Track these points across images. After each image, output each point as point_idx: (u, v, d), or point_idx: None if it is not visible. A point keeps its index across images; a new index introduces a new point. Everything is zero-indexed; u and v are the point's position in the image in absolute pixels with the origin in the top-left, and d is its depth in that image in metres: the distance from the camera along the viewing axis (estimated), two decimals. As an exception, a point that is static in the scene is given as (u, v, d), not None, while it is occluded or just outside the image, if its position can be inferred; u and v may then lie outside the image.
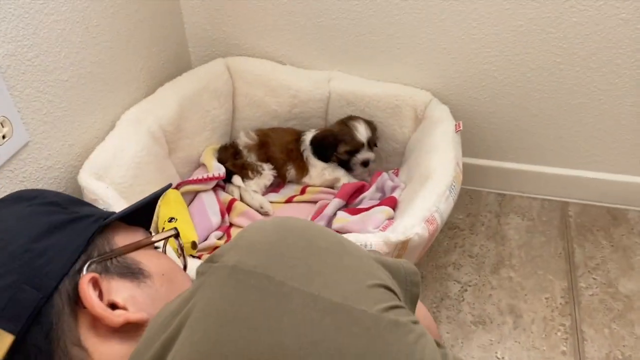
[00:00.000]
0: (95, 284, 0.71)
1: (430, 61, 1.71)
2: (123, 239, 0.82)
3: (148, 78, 1.68)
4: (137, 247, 0.79)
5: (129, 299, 0.70)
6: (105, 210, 0.93)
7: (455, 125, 1.56)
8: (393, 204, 1.48)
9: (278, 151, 1.75)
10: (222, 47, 1.88)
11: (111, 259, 0.74)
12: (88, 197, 1.28)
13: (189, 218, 1.52)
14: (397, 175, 1.68)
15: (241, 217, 1.60)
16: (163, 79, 1.74)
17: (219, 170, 1.66)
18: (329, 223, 1.53)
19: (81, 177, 1.30)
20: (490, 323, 1.46)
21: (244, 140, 1.78)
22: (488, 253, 1.68)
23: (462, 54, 1.67)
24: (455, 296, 1.54)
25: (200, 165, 1.74)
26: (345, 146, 1.67)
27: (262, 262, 0.55)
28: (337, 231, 1.44)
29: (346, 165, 1.71)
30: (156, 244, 0.85)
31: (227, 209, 1.63)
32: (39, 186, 1.31)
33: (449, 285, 1.58)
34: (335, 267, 0.56)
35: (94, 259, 0.72)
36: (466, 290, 1.56)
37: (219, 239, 1.55)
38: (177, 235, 0.91)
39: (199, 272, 0.60)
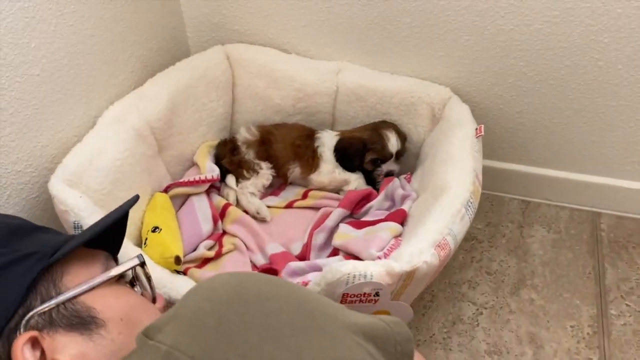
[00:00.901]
0: (35, 343, 0.62)
1: (452, 54, 1.53)
2: (75, 276, 0.70)
3: (139, 68, 1.53)
4: (91, 288, 0.69)
5: (78, 356, 0.62)
6: (63, 235, 0.80)
7: (476, 129, 1.39)
8: (402, 218, 1.32)
9: (282, 149, 1.59)
10: (221, 33, 1.72)
11: (57, 307, 0.65)
12: (58, 208, 1.15)
13: (176, 227, 1.38)
14: (409, 182, 1.52)
15: (236, 224, 1.46)
16: (157, 69, 1.58)
17: (213, 172, 1.51)
18: (330, 236, 1.38)
19: (52, 184, 1.16)
20: (507, 354, 1.31)
21: (244, 135, 1.63)
22: (508, 270, 1.51)
23: (488, 47, 1.48)
24: (469, 320, 1.39)
25: (193, 164, 1.59)
26: (373, 154, 1.53)
27: (204, 349, 0.47)
28: (338, 248, 1.30)
29: (368, 175, 1.57)
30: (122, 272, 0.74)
31: (220, 214, 1.48)
32: (6, 193, 1.18)
33: (463, 307, 1.42)
34: (298, 356, 0.47)
35: (36, 311, 0.63)
36: (482, 313, 1.40)
37: (210, 249, 1.41)
38: (142, 264, 0.79)
39: (137, 343, 0.52)
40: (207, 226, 1.43)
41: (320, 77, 1.61)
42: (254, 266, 1.38)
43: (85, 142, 1.28)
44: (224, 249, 1.40)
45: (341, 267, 1.00)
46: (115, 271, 0.74)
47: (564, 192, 1.69)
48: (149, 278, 0.84)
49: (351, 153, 1.53)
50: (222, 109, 1.67)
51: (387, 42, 1.57)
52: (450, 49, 1.52)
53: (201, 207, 1.47)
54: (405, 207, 1.35)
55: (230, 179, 1.55)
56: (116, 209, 0.83)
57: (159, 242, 1.26)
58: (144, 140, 1.41)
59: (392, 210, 1.39)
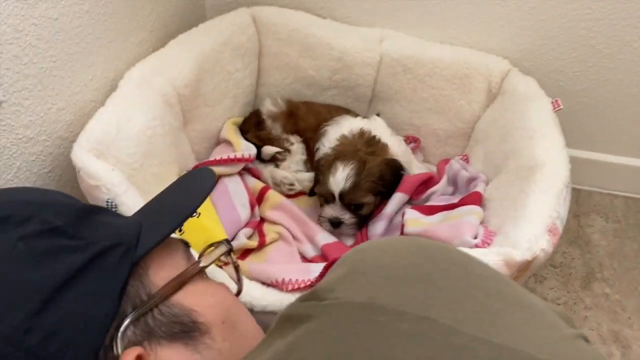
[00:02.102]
0: None
1: (512, 23, 1.38)
2: (160, 269, 0.56)
3: (158, 27, 1.30)
4: (183, 282, 0.56)
5: None
6: (122, 216, 0.61)
7: (553, 102, 1.23)
8: (480, 202, 1.15)
9: (311, 129, 1.40)
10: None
11: (151, 312, 0.52)
12: (86, 184, 0.92)
13: (214, 211, 1.16)
14: (467, 163, 1.35)
15: (277, 210, 1.25)
16: (174, 31, 1.36)
17: (249, 150, 1.30)
18: (390, 224, 1.20)
19: (76, 154, 0.93)
20: (593, 355, 1.16)
21: (269, 108, 1.42)
22: (573, 262, 1.37)
23: (554, 16, 1.34)
24: (543, 317, 1.23)
25: (221, 141, 1.38)
26: (317, 189, 1.26)
27: (412, 296, 0.42)
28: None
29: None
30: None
31: (257, 199, 1.27)
32: (16, 165, 0.94)
33: (534, 303, 1.26)
34: (514, 305, 0.43)
35: (130, 320, 0.50)
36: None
37: (249, 237, 1.20)
38: (230, 251, 0.66)
39: (293, 316, 0.45)
40: (244, 212, 1.22)
41: (362, 45, 1.42)
42: (303, 258, 1.19)
43: (109, 106, 1.05)
44: (268, 238, 1.19)
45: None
46: (208, 260, 0.61)
47: (617, 179, 1.57)
48: (236, 267, 0.69)
49: (315, 176, 1.29)
50: (248, 80, 1.46)
51: (438, 9, 1.40)
52: (512, 17, 1.37)
53: (236, 190, 1.25)
54: (479, 189, 1.18)
55: (268, 148, 1.35)
56: (192, 183, 0.69)
57: (200, 228, 1.05)
58: (171, 108, 1.19)
59: (464, 195, 1.22)
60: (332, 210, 1.20)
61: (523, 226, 0.94)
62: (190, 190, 0.66)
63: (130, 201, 0.92)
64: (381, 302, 0.41)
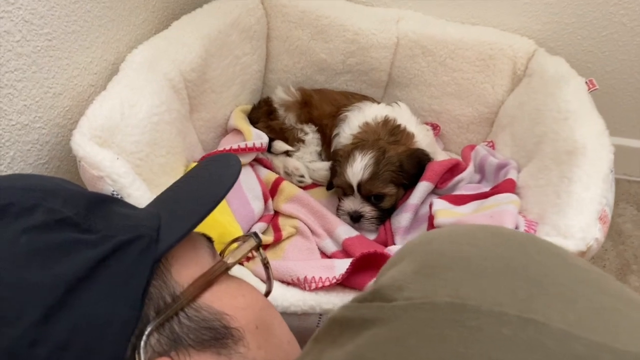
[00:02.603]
0: None
1: (538, 1, 1.29)
2: (183, 267, 0.49)
3: (160, 7, 1.21)
4: (211, 281, 0.49)
5: None
6: (136, 207, 0.53)
7: (587, 82, 1.15)
8: (514, 190, 1.07)
9: (327, 117, 1.31)
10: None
11: (178, 316, 0.44)
12: (88, 174, 0.83)
13: (227, 206, 1.07)
14: (493, 149, 1.27)
15: (292, 203, 1.16)
16: (177, 11, 1.27)
17: (261, 139, 1.21)
18: (416, 216, 1.11)
19: (77, 141, 0.83)
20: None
21: (281, 96, 1.34)
22: (607, 254, 1.29)
23: (583, -9, 1.26)
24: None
25: (229, 130, 1.28)
26: (335, 181, 1.17)
27: (509, 294, 0.33)
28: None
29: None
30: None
31: (270, 191, 1.18)
32: (9, 155, 0.84)
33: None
34: (624, 302, 0.35)
35: (153, 326, 0.42)
36: (592, 305, 1.17)
37: (264, 232, 1.12)
38: (259, 246, 0.57)
39: (352, 320, 0.37)
40: (258, 205, 1.13)
41: (378, 25, 1.33)
42: (323, 254, 1.10)
43: (112, 90, 0.95)
44: (284, 233, 1.10)
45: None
46: (236, 256, 0.53)
47: (646, 166, 1.49)
48: (266, 264, 0.60)
49: (331, 168, 1.22)
50: (257, 65, 1.37)
51: (459, -14, 1.32)
52: (537, -6, 1.28)
53: (248, 182, 1.16)
54: (511, 176, 1.10)
55: (279, 144, 1.25)
56: (214, 170, 0.60)
57: (214, 224, 0.95)
58: (178, 94, 1.09)
59: (492, 183, 1.14)
60: (352, 203, 1.12)
61: (572, 215, 0.85)
62: (213, 177, 0.58)
63: (138, 193, 0.83)
64: (472, 301, 0.33)
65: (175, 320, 0.43)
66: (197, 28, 1.19)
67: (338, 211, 1.14)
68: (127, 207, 0.53)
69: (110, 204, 0.49)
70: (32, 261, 0.39)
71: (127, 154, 0.90)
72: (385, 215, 1.13)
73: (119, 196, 0.82)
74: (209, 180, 0.58)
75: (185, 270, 0.47)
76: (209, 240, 0.56)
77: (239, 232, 0.99)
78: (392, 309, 0.36)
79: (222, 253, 0.57)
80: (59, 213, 0.42)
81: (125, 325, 0.40)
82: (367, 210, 1.11)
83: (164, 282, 0.45)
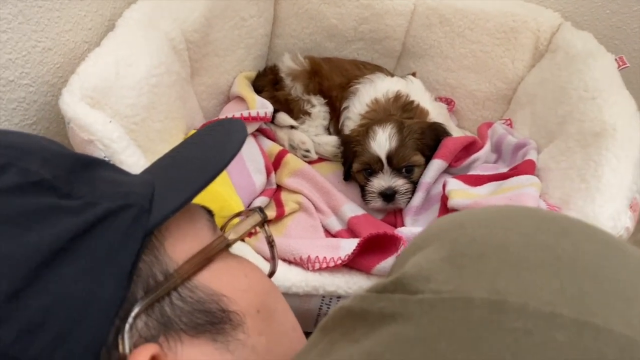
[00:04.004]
0: None
1: (566, -31, 1.21)
2: (179, 241, 0.43)
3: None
4: (209, 258, 0.43)
5: None
6: (128, 173, 0.50)
7: (617, 60, 1.08)
8: (533, 172, 1.00)
9: (337, 88, 1.23)
10: None
11: (169, 296, 0.39)
12: (78, 138, 0.76)
13: (227, 175, 1.01)
14: (511, 127, 1.20)
15: (296, 177, 1.10)
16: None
17: (265, 108, 1.13)
18: (428, 195, 1.05)
19: (67, 102, 0.77)
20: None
21: (288, 64, 1.26)
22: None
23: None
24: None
25: (232, 98, 1.21)
26: (358, 163, 1.08)
27: (558, 292, 0.28)
28: (455, 209, 0.97)
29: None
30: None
31: (273, 164, 1.12)
32: (-8, 114, 0.77)
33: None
34: None
35: (141, 307, 0.37)
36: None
37: (265, 207, 1.05)
38: (264, 222, 0.53)
39: (369, 313, 0.32)
40: (260, 178, 1.07)
41: (393, -9, 1.25)
42: (327, 232, 1.04)
43: (106, 47, 0.88)
44: (287, 209, 1.04)
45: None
46: (239, 232, 0.47)
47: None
48: (271, 242, 0.56)
49: (343, 156, 1.14)
50: (263, 29, 1.28)
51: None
52: (566, -38, 1.20)
53: (251, 154, 1.09)
54: (531, 156, 1.03)
55: (283, 116, 1.18)
56: (217, 136, 0.54)
57: (213, 196, 0.89)
58: (179, 56, 1.02)
59: (508, 163, 1.07)
60: (382, 181, 1.04)
61: (601, 201, 0.79)
62: (216, 143, 0.52)
63: (131, 160, 0.76)
64: (514, 298, 0.29)
65: (167, 301, 0.38)
66: (200, -14, 1.11)
67: (366, 196, 1.06)
68: (118, 172, 0.47)
69: (98, 167, 0.43)
70: (4, 235, 0.33)
71: (122, 117, 0.84)
72: (414, 189, 1.06)
73: (111, 162, 0.75)
74: (212, 147, 0.52)
75: (180, 245, 0.42)
76: (210, 213, 0.51)
77: (240, 206, 0.93)
78: (418, 304, 0.31)
79: (222, 228, 0.52)
80: (35, 175, 0.37)
81: (108, 306, 0.35)
82: (400, 183, 1.04)
83: (155, 257, 0.40)
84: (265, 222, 0.52)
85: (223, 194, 0.90)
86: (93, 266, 0.35)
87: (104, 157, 0.75)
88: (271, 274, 0.58)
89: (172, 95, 0.97)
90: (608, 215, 0.75)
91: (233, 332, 0.41)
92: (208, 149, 0.52)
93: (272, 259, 0.57)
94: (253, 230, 0.53)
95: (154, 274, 0.39)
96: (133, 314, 0.36)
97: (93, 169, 0.42)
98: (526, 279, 0.30)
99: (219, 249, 0.44)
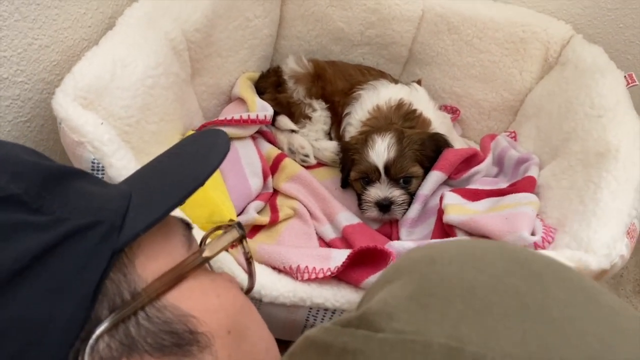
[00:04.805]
0: None
1: (579, -20, 1.18)
2: (150, 259, 0.42)
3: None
4: (180, 276, 0.42)
5: None
6: (106, 183, 0.47)
7: (626, 77, 1.05)
8: (533, 189, 0.98)
9: (340, 93, 1.22)
10: None
11: (136, 317, 0.38)
12: (68, 139, 0.75)
13: (221, 179, 1.00)
14: (515, 141, 1.17)
15: (293, 182, 1.09)
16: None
17: (265, 110, 1.12)
18: (425, 206, 1.03)
19: (59, 101, 0.76)
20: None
21: (292, 67, 1.25)
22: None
23: (631, -26, 1.14)
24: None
25: (233, 99, 1.20)
26: (356, 171, 1.06)
27: (522, 343, 0.29)
28: (456, 227, 0.95)
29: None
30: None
31: (271, 167, 1.11)
32: (-15, 111, 0.77)
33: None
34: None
35: (104, 328, 0.36)
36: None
37: (260, 212, 1.04)
38: (242, 238, 0.51)
39: (332, 347, 0.33)
40: (256, 182, 1.06)
41: (402, -4, 1.23)
42: (321, 240, 1.03)
43: (104, 46, 0.87)
44: (281, 215, 1.03)
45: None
46: (214, 249, 0.47)
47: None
48: (249, 259, 0.55)
49: (342, 163, 1.12)
50: (268, 29, 1.27)
51: (494, -40, 1.21)
52: (579, -26, 1.17)
53: (248, 157, 1.09)
54: (532, 173, 1.01)
55: (284, 120, 1.17)
56: (200, 147, 0.53)
57: (204, 200, 0.88)
58: (179, 56, 1.01)
59: (509, 178, 1.05)
60: (379, 191, 1.02)
61: (597, 226, 0.77)
62: (197, 156, 0.51)
63: (121, 164, 0.75)
64: (472, 347, 0.29)
65: (133, 321, 0.38)
66: (205, -16, 1.10)
67: (362, 205, 1.04)
68: (96, 184, 0.46)
69: (74, 179, 0.43)
70: None
71: (115, 119, 0.83)
72: (411, 200, 1.04)
73: (100, 165, 0.75)
74: (193, 159, 0.51)
75: (152, 263, 0.42)
76: (187, 226, 0.50)
77: (232, 212, 0.92)
78: (379, 343, 0.31)
79: (202, 241, 0.51)
80: (4, 190, 0.36)
81: (68, 328, 0.35)
82: (397, 194, 1.02)
83: (124, 275, 0.39)
84: (243, 238, 0.51)
85: (215, 199, 0.89)
86: (55, 287, 0.35)
87: (93, 159, 0.74)
88: (249, 290, 0.58)
89: (168, 96, 0.96)
90: (602, 242, 0.73)
91: (200, 355, 0.40)
92: (188, 161, 0.51)
93: (250, 276, 0.57)
94: (235, 244, 0.52)
95: (121, 292, 0.38)
96: (94, 335, 0.35)
97: (68, 181, 0.42)
98: (489, 327, 0.30)
99: (191, 267, 0.44)
